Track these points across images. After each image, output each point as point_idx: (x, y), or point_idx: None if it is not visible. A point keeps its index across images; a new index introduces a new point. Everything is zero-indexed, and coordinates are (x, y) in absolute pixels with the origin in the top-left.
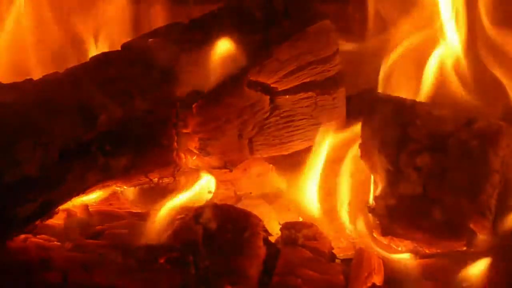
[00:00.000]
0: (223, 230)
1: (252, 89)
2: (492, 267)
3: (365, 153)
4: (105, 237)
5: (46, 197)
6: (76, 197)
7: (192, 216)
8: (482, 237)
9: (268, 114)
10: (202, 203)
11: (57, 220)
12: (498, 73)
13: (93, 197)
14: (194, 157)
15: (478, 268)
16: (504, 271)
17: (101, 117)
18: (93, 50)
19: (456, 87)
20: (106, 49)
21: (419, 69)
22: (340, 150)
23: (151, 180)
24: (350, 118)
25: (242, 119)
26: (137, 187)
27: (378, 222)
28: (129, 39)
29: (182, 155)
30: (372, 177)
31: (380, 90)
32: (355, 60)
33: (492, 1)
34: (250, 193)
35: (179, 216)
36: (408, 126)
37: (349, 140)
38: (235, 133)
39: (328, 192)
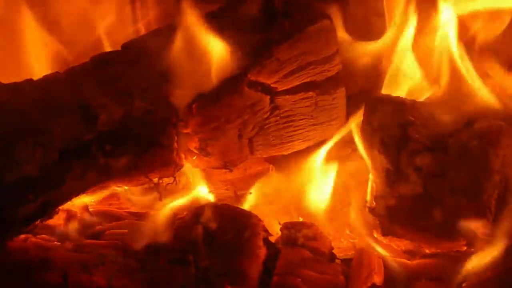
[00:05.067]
0: (223, 230)
1: (252, 89)
2: (491, 267)
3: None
4: (105, 237)
5: (46, 197)
6: (76, 197)
7: (192, 216)
8: (482, 237)
9: (268, 114)
10: (202, 203)
11: (57, 220)
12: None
13: (92, 197)
14: (194, 157)
15: (477, 268)
16: (504, 271)
17: (101, 117)
18: None
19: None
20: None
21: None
22: (340, 150)
23: (151, 180)
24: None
25: (242, 119)
26: (137, 187)
27: (378, 222)
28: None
29: (182, 155)
30: (371, 177)
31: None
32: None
33: None
34: (250, 193)
35: (179, 216)
36: (408, 126)
37: (349, 140)
38: (235, 133)
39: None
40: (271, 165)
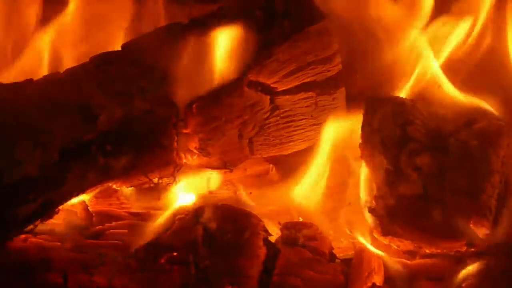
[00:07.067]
0: (223, 230)
1: (252, 89)
2: (491, 267)
3: (365, 153)
4: (105, 237)
5: (46, 197)
6: (76, 197)
7: (192, 216)
8: (482, 237)
9: (268, 114)
10: (202, 203)
11: (57, 220)
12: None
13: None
14: (194, 157)
15: (477, 268)
16: (504, 271)
17: (101, 117)
18: None
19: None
20: None
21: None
22: (340, 150)
23: (151, 180)
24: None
25: (242, 119)
26: (137, 187)
27: (378, 222)
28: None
29: (182, 155)
30: (368, 177)
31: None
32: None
33: None
34: (250, 193)
35: (179, 216)
36: (408, 126)
37: (349, 139)
38: (235, 133)
39: (328, 192)
40: (271, 165)
